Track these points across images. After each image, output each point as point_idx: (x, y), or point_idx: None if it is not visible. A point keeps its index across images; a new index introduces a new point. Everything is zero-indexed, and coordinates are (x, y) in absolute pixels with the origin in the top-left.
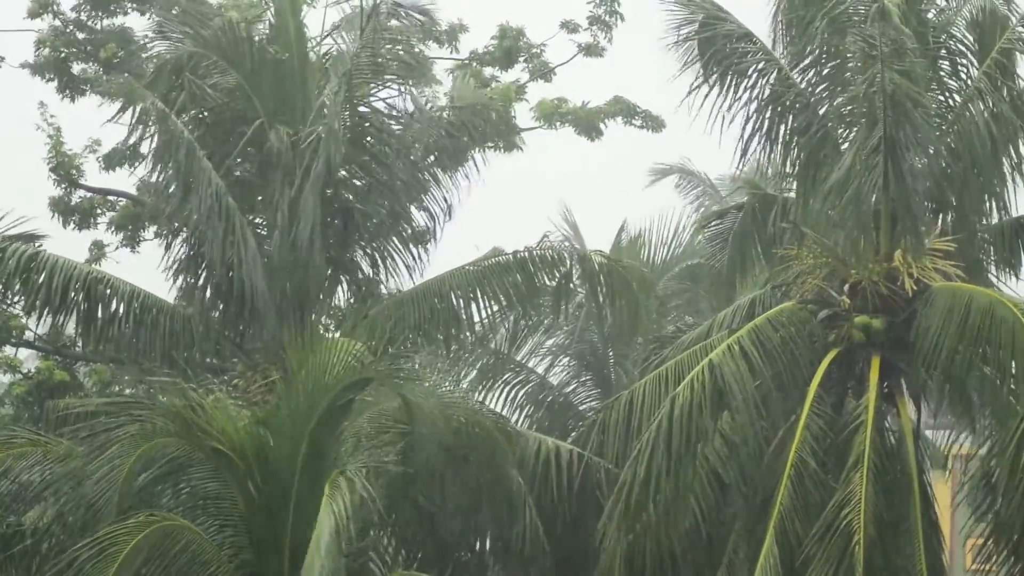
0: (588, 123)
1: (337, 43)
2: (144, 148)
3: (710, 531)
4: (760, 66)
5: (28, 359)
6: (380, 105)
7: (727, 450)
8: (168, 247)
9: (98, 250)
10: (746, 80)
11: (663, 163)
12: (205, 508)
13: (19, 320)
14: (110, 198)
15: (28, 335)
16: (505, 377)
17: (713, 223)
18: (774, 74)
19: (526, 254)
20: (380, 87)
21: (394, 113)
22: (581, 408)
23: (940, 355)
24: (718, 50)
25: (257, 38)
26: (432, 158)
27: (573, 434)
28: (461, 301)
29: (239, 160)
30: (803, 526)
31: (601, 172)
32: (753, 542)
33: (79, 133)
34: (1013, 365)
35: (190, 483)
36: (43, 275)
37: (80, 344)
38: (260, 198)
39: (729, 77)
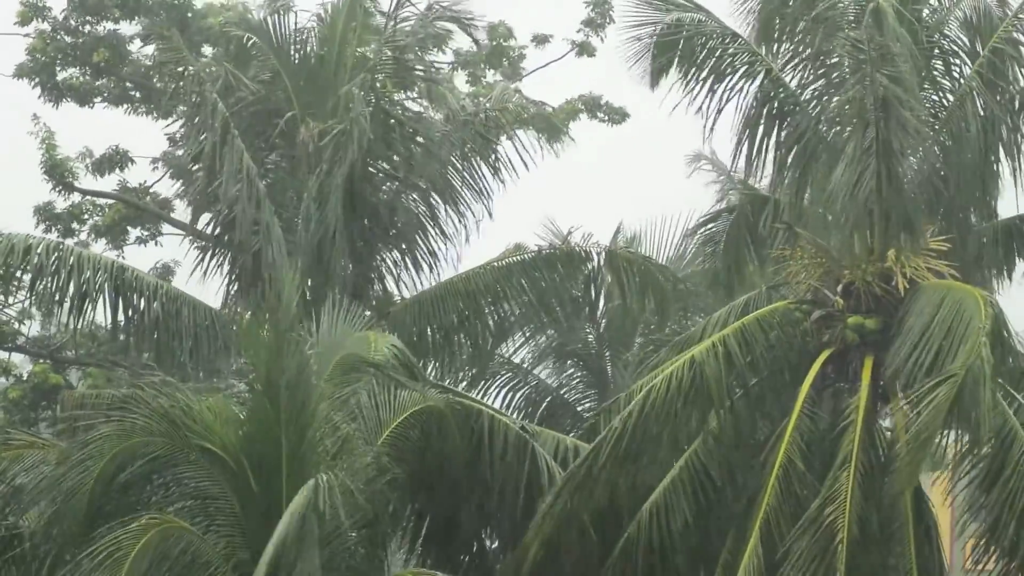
0: (551, 126)
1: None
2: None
3: (703, 531)
4: (746, 68)
5: (21, 363)
6: (408, 104)
7: (716, 449)
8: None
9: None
10: (733, 80)
11: (694, 150)
12: (204, 508)
13: (11, 324)
14: (99, 202)
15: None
16: (502, 379)
17: (706, 227)
18: (762, 74)
19: (553, 250)
20: (407, 86)
21: (422, 112)
22: (579, 410)
23: (920, 350)
24: (700, 49)
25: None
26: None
27: (571, 435)
28: (488, 299)
29: (270, 153)
30: (788, 526)
31: (588, 175)
32: (741, 541)
33: (65, 139)
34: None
35: (181, 483)
36: (70, 268)
37: (73, 336)
38: (290, 193)
39: (714, 78)
